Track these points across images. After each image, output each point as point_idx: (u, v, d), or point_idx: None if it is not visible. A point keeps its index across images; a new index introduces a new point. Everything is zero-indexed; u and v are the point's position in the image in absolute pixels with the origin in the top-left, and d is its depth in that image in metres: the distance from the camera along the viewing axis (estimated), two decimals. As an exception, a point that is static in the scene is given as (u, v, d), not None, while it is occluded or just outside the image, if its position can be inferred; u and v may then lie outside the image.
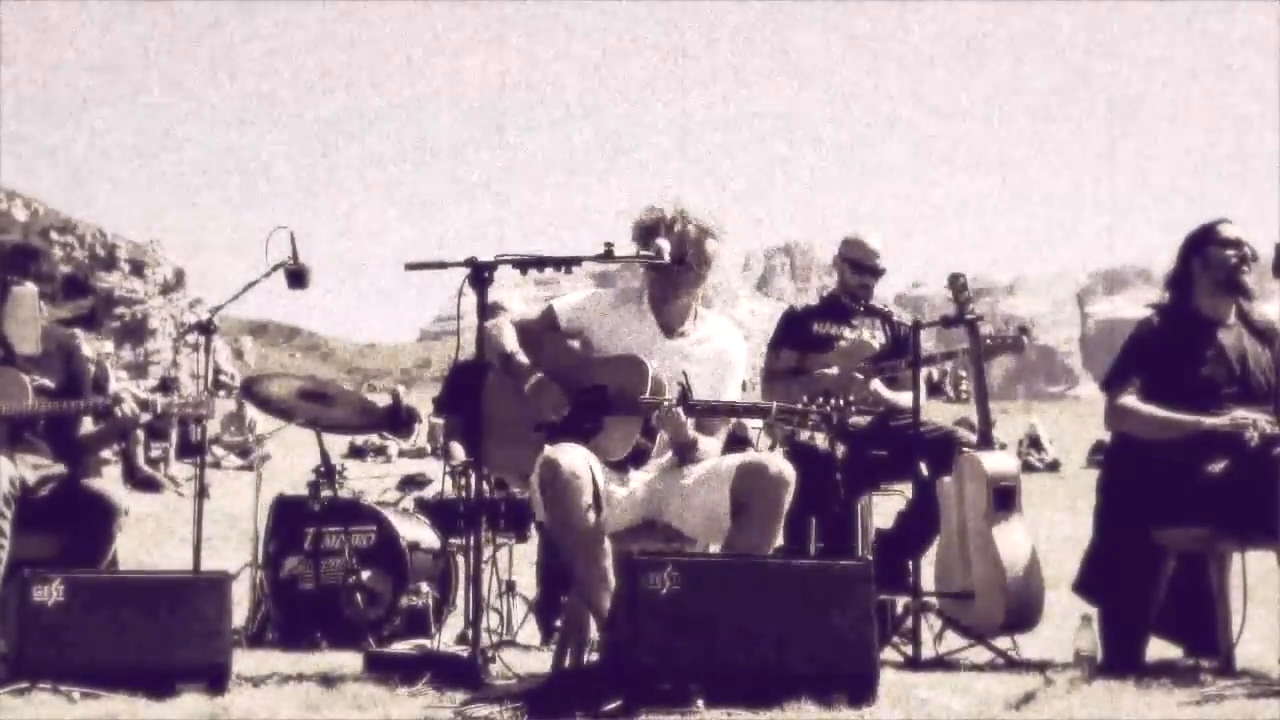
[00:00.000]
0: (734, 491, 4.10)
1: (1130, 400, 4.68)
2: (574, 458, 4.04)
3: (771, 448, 5.91)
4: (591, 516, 4.01)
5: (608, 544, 4.07)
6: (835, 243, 6.11)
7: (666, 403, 4.16)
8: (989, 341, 5.55)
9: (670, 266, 4.32)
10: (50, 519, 4.71)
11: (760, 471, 4.09)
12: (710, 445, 4.33)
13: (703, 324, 4.49)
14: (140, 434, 14.80)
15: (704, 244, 4.38)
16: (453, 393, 6.91)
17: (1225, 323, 4.78)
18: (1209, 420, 4.55)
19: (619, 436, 4.23)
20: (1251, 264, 4.78)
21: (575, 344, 4.42)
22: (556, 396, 4.29)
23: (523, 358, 4.35)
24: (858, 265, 5.95)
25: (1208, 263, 4.77)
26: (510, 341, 4.39)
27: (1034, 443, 22.40)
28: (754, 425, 5.72)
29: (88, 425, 4.98)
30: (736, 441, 5.34)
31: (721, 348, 4.48)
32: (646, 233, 4.37)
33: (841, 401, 4.13)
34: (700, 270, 4.40)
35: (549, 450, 4.07)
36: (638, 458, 4.27)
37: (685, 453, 4.29)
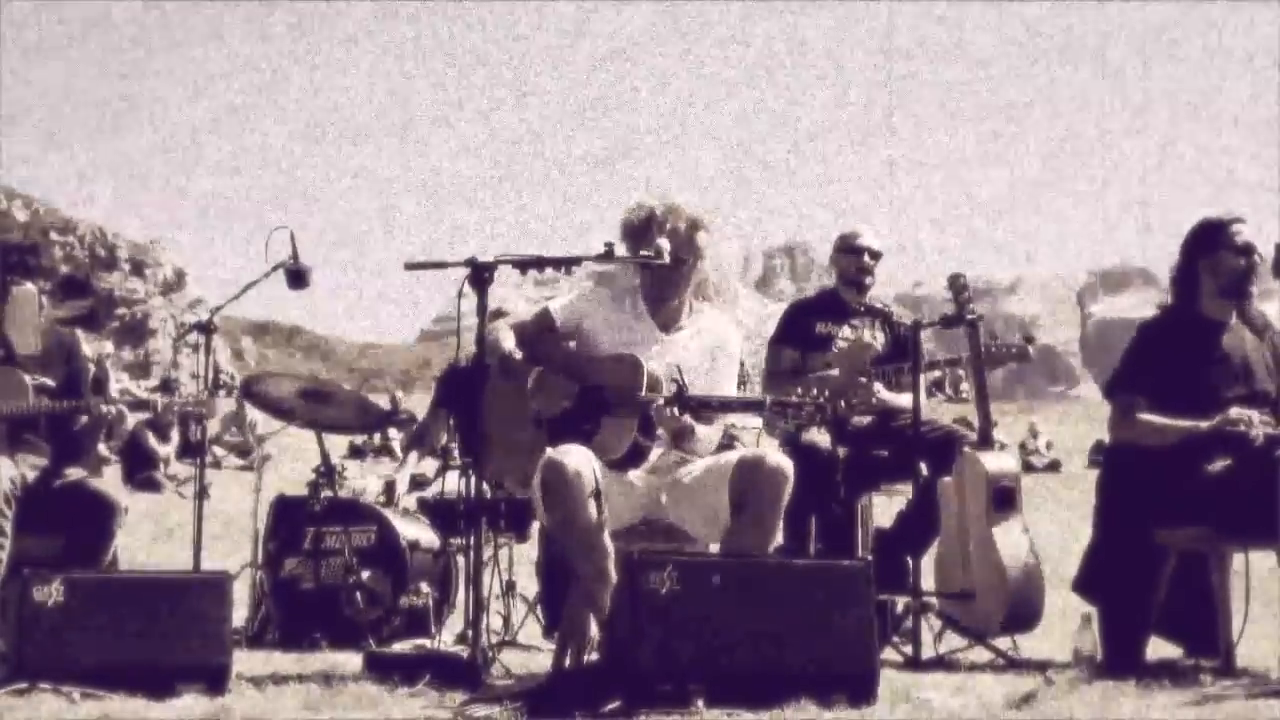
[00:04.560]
0: (733, 487, 4.11)
1: (1135, 412, 4.66)
2: (576, 458, 4.05)
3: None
4: (594, 516, 4.02)
5: (610, 543, 4.07)
6: (834, 242, 6.12)
7: (662, 399, 4.17)
8: (994, 351, 5.55)
9: (669, 266, 4.33)
10: (50, 519, 4.72)
11: (757, 466, 4.10)
12: (708, 433, 4.34)
13: (697, 317, 4.51)
14: (149, 433, 14.88)
15: (695, 237, 4.40)
16: (447, 394, 6.91)
17: (1228, 324, 4.77)
18: (1206, 424, 4.54)
19: (617, 435, 4.24)
20: (1260, 269, 4.75)
21: (572, 344, 4.44)
22: (563, 385, 4.30)
23: (520, 356, 4.36)
24: (853, 249, 5.95)
25: (1217, 268, 4.73)
26: (508, 342, 4.40)
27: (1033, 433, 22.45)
28: (754, 426, 5.73)
29: (82, 420, 4.98)
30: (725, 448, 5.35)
31: (715, 337, 4.51)
32: (637, 232, 4.38)
33: (842, 402, 4.14)
34: (694, 263, 4.41)
35: (551, 452, 4.08)
36: (636, 456, 4.27)
37: (683, 439, 4.29)
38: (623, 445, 4.23)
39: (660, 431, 4.29)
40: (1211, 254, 4.74)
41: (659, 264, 4.30)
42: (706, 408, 4.29)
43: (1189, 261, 4.79)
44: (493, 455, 4.35)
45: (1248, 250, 4.72)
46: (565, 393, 4.33)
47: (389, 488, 6.57)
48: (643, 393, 4.21)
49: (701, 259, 4.43)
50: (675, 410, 4.17)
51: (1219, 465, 4.50)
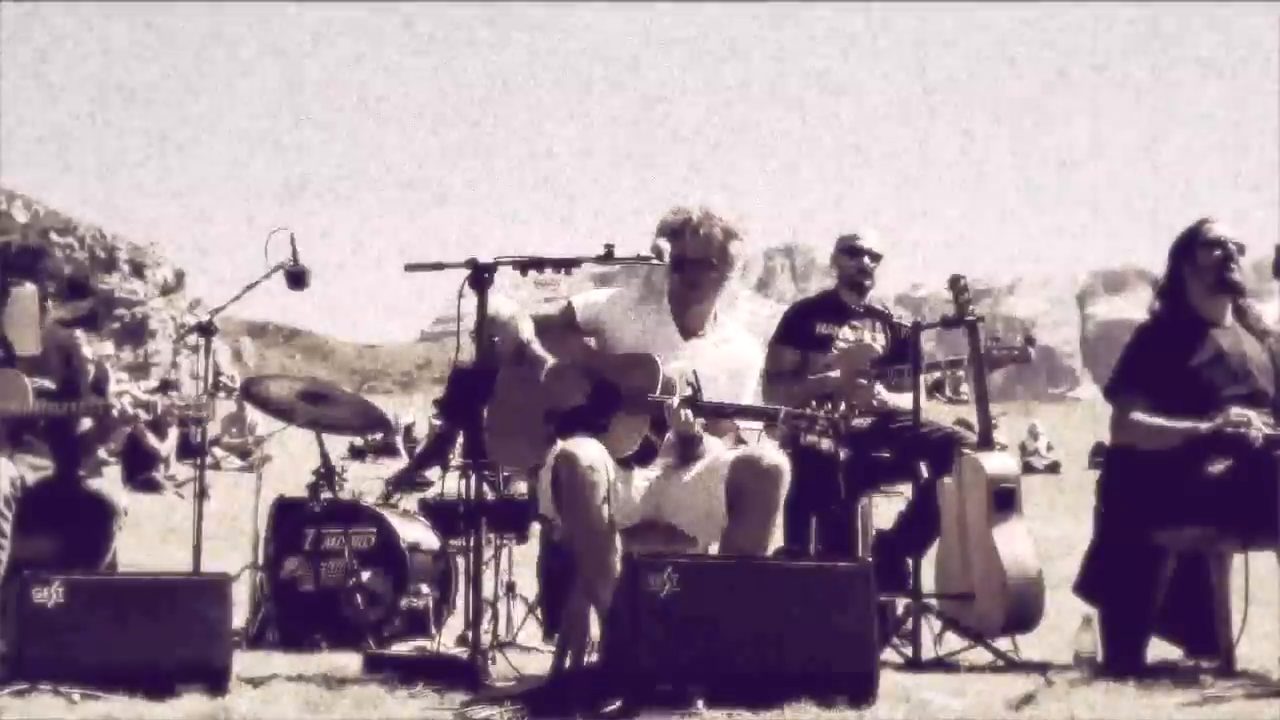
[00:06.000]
0: (729, 486, 4.11)
1: (1136, 415, 4.66)
2: (591, 452, 4.05)
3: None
4: (605, 511, 4.03)
5: (618, 540, 4.08)
6: (834, 243, 6.13)
7: (673, 402, 4.17)
8: (995, 352, 5.55)
9: (695, 269, 4.35)
10: (50, 519, 4.72)
11: (753, 464, 4.10)
12: (715, 446, 4.34)
13: (721, 327, 4.52)
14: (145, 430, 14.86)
15: (729, 245, 4.42)
16: (454, 396, 6.93)
17: (1223, 324, 4.78)
18: (1205, 425, 4.53)
19: (627, 433, 4.24)
20: (1239, 259, 4.76)
21: (591, 341, 4.45)
22: (576, 379, 4.31)
23: (538, 348, 4.38)
24: (853, 250, 5.96)
25: (1196, 266, 4.76)
26: (527, 331, 4.42)
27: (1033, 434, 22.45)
28: (754, 427, 5.74)
29: (85, 424, 4.98)
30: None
31: (738, 353, 4.51)
32: (673, 233, 4.41)
33: (845, 406, 4.14)
34: (725, 272, 4.44)
35: (566, 444, 4.08)
36: (646, 455, 4.28)
37: (689, 447, 4.29)
38: (633, 444, 4.23)
39: (670, 435, 4.29)
40: (1190, 256, 4.77)
41: (656, 263, 4.31)
42: (719, 413, 4.29)
43: (1174, 270, 4.83)
44: (499, 439, 4.36)
45: (1220, 243, 4.74)
46: (579, 386, 4.33)
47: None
48: (657, 393, 4.21)
49: (732, 268, 4.45)
50: (687, 414, 4.17)
51: (1219, 465, 4.50)
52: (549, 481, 4.13)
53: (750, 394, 4.50)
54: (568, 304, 4.51)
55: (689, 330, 4.47)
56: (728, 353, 4.48)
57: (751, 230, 4.53)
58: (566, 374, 4.33)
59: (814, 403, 4.16)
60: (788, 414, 4.19)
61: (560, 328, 4.47)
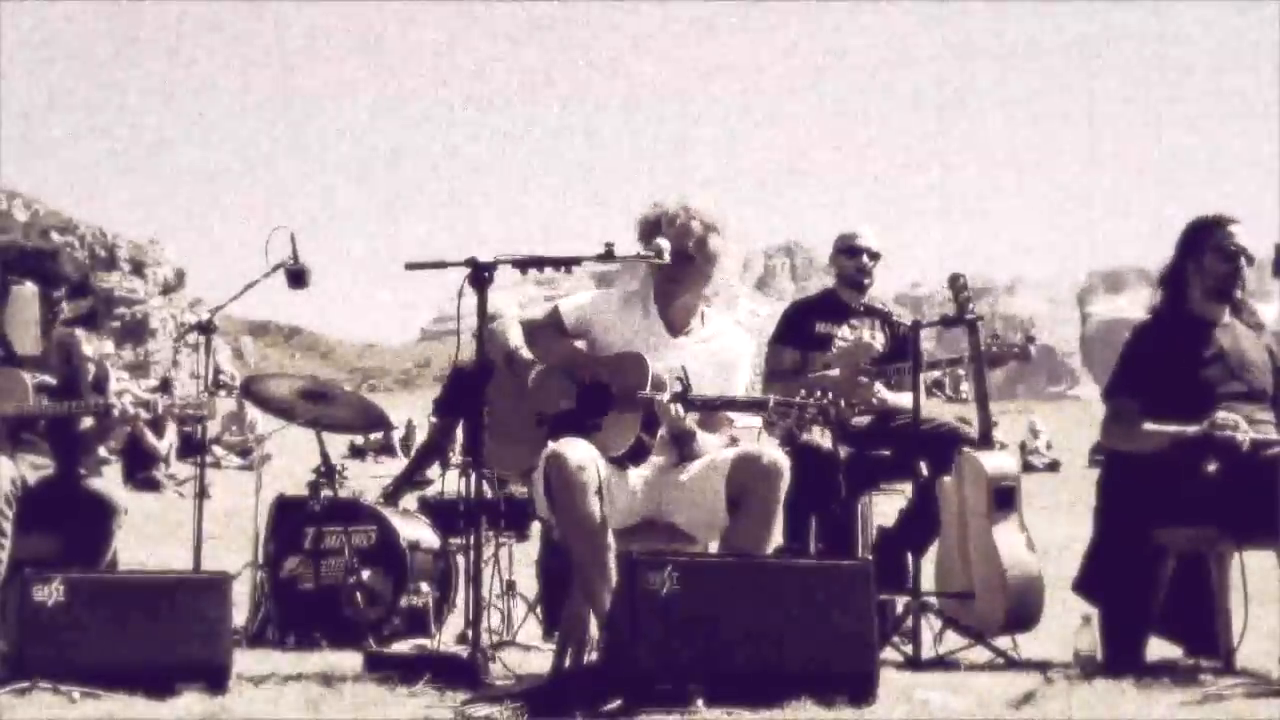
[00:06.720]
0: (729, 484, 4.12)
1: (1128, 417, 4.64)
2: (580, 452, 4.05)
3: None
4: (597, 511, 4.03)
5: (611, 539, 4.08)
6: (833, 243, 6.12)
7: (663, 398, 4.17)
8: (995, 350, 5.55)
9: (674, 263, 4.33)
10: (50, 519, 4.72)
11: (753, 462, 4.10)
12: (711, 441, 4.34)
13: (708, 323, 4.51)
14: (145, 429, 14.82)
15: (708, 240, 4.38)
16: (452, 395, 6.94)
17: (1221, 322, 4.77)
18: (1192, 429, 4.51)
19: (619, 433, 4.24)
20: (1245, 272, 4.73)
21: (580, 344, 4.44)
22: (566, 381, 4.30)
23: (526, 353, 4.37)
24: (852, 250, 5.97)
25: (1203, 269, 4.73)
26: (515, 337, 4.41)
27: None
28: (752, 424, 5.74)
29: (85, 423, 4.97)
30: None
31: (726, 346, 4.49)
32: (651, 229, 4.38)
33: (842, 400, 4.14)
34: (705, 267, 4.41)
35: (555, 445, 4.08)
36: (638, 454, 4.27)
37: (684, 443, 4.29)
38: (625, 442, 4.23)
39: (662, 431, 4.29)
40: (1199, 256, 4.74)
41: (657, 262, 4.30)
42: (710, 406, 4.29)
43: (1178, 261, 4.79)
44: (493, 445, 4.36)
45: (1233, 255, 4.69)
46: (569, 388, 4.33)
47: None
48: (646, 390, 4.21)
49: (712, 263, 4.41)
50: (679, 409, 4.17)
51: (1211, 466, 4.47)
52: (542, 483, 4.13)
53: (740, 387, 4.49)
54: (554, 308, 4.50)
55: (676, 326, 4.46)
56: (716, 347, 4.47)
57: (739, 227, 4.47)
58: (556, 376, 4.33)
59: (803, 391, 4.16)
60: (777, 403, 4.19)
61: (548, 331, 4.46)
